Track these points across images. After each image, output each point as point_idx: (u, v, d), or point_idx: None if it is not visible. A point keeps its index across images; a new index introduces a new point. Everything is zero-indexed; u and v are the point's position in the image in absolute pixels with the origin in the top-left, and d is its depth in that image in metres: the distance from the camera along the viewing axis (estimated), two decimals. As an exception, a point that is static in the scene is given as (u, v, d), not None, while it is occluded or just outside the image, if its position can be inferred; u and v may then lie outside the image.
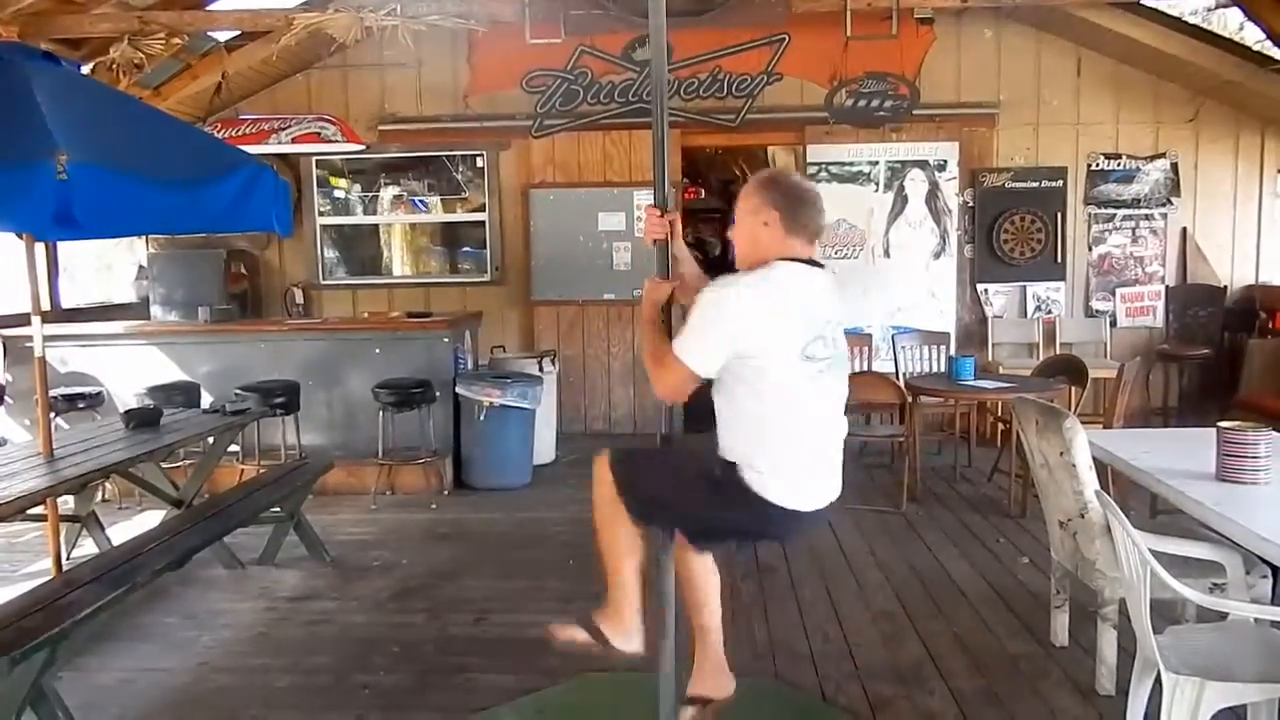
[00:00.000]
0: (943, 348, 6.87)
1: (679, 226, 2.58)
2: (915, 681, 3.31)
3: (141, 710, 3.23)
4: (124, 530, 4.96)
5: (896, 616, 3.91)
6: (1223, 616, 2.88)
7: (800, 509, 2.37)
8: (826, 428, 2.42)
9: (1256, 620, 2.73)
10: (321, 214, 8.06)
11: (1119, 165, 7.54)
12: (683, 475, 2.49)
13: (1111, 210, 7.58)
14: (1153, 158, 7.51)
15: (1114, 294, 7.60)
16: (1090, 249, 7.61)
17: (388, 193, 8.31)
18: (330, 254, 8.21)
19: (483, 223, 7.96)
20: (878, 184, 7.54)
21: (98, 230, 3.86)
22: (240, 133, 6.94)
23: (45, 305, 4.01)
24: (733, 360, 2.27)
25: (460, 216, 8.23)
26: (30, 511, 3.99)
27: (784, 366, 2.27)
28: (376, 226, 8.51)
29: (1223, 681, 2.41)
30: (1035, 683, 3.28)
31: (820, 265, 2.42)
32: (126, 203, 3.33)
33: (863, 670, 3.41)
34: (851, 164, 7.54)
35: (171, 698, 3.33)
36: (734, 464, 2.35)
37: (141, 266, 7.88)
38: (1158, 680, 2.56)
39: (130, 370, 6.16)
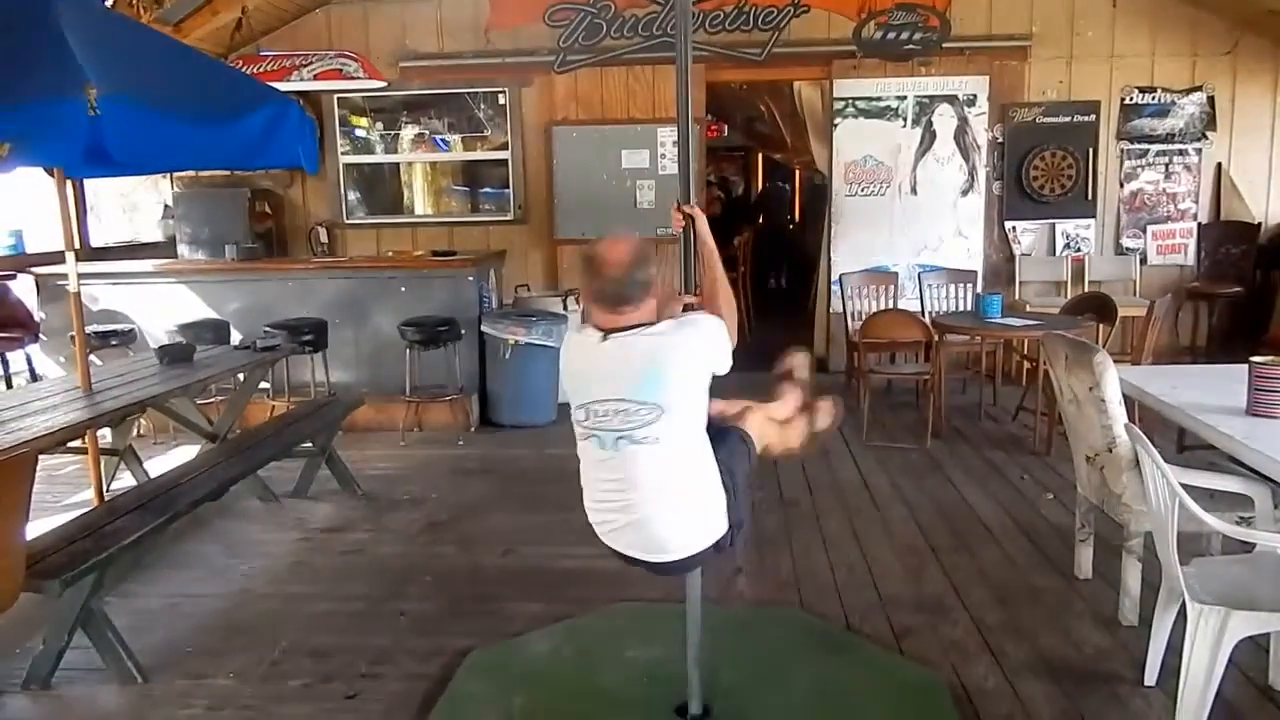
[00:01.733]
0: (969, 286, 6.81)
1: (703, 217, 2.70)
2: (939, 612, 3.36)
3: (186, 631, 3.35)
4: (160, 464, 5.07)
5: (920, 550, 3.95)
6: (1248, 549, 2.90)
7: None
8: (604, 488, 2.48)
9: (1283, 552, 2.75)
10: (343, 153, 8.04)
11: (1153, 99, 7.36)
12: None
13: (1145, 146, 7.43)
14: (1188, 91, 7.33)
15: (1145, 231, 7.48)
16: (1122, 185, 7.47)
17: (409, 131, 8.25)
18: (352, 194, 8.20)
19: (505, 161, 7.91)
20: (905, 119, 7.41)
21: (131, 166, 3.88)
22: (262, 69, 6.88)
23: (76, 243, 4.04)
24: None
25: (482, 155, 8.18)
26: (70, 445, 4.10)
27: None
28: (398, 166, 8.48)
29: (1247, 611, 2.44)
30: (1058, 614, 3.33)
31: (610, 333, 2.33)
32: (158, 138, 3.34)
33: (886, 601, 3.47)
34: (879, 99, 7.40)
35: (214, 621, 3.44)
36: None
37: (167, 205, 7.92)
38: (1181, 611, 2.60)
39: (160, 308, 6.23)
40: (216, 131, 3.58)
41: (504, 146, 7.89)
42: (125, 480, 4.80)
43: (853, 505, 4.50)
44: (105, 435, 4.80)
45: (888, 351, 6.18)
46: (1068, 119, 7.37)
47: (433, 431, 6.10)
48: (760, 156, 13.89)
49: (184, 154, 3.68)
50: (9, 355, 6.22)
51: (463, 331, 6.05)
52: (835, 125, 7.44)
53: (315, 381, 6.12)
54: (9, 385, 6.10)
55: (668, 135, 7.44)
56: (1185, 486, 2.51)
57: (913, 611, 3.36)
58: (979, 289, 6.84)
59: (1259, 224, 7.32)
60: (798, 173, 12.79)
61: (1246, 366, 3.06)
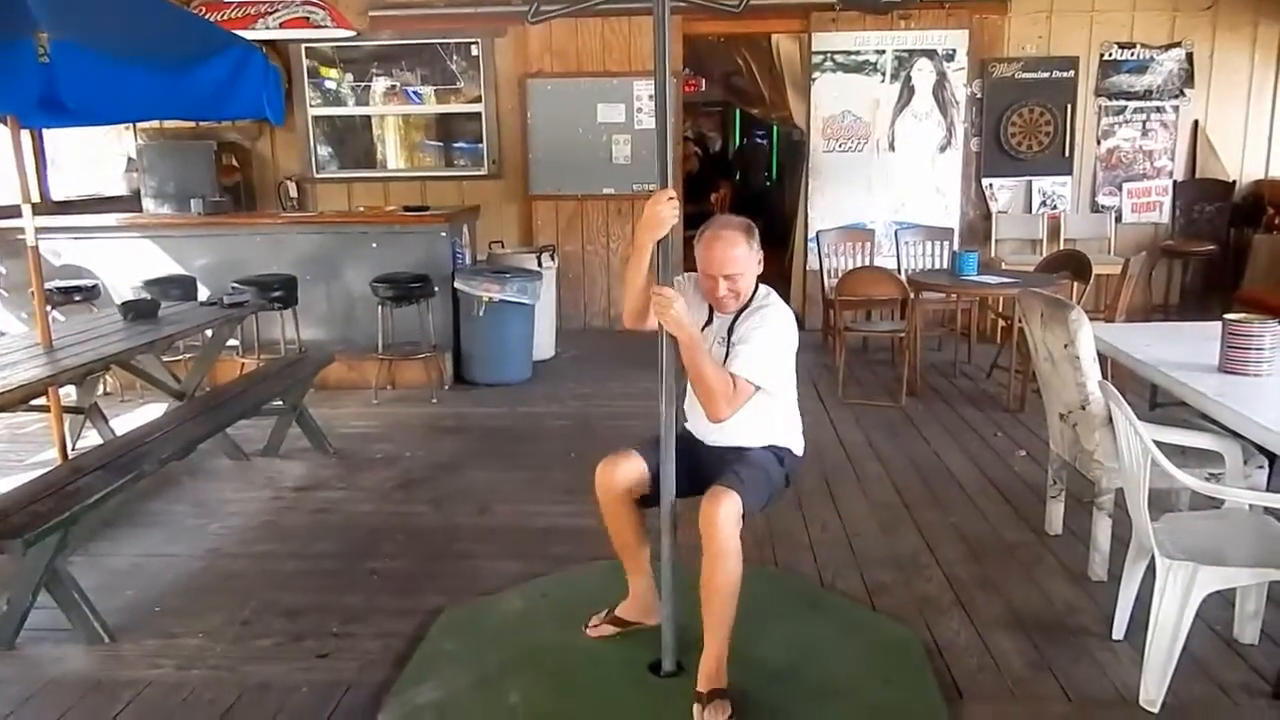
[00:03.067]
0: (946, 243, 6.80)
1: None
2: (912, 568, 3.38)
3: (155, 592, 3.30)
4: (127, 422, 4.99)
5: (894, 507, 3.97)
6: (1217, 505, 2.93)
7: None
8: None
9: (1251, 507, 2.78)
10: (312, 105, 7.85)
11: (1132, 55, 7.33)
12: (771, 477, 2.65)
13: (1122, 102, 7.41)
14: (1167, 47, 7.29)
15: (1121, 189, 7.49)
16: (1099, 143, 7.46)
17: (380, 84, 8.06)
18: (323, 147, 8.03)
19: (478, 114, 7.76)
20: (884, 74, 7.33)
21: (86, 116, 3.75)
22: (225, 16, 6.69)
23: (35, 196, 3.92)
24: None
25: (455, 108, 8.01)
26: (33, 403, 4.01)
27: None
28: (369, 119, 8.29)
29: (1215, 566, 2.46)
30: (1029, 569, 3.35)
31: None
32: (115, 86, 3.24)
33: (860, 558, 3.48)
34: (858, 53, 7.31)
35: (183, 581, 3.40)
36: (787, 447, 2.73)
37: (131, 158, 7.73)
38: (1150, 566, 2.62)
39: (125, 263, 6.10)
40: (176, 80, 3.47)
41: (477, 99, 7.74)
42: (91, 439, 4.72)
43: (828, 463, 4.51)
44: (70, 393, 4.71)
45: (864, 309, 6.19)
46: (1046, 75, 7.32)
47: (406, 389, 6.04)
48: (738, 112, 13.74)
49: (143, 103, 3.56)
50: (-31, 311, 6.07)
51: (436, 288, 5.97)
52: (813, 80, 7.35)
53: (285, 339, 6.04)
54: (-30, 342, 5.96)
55: (644, 89, 7.32)
56: (1157, 443, 2.52)
57: (886, 568, 3.38)
58: (955, 246, 6.83)
59: (1234, 182, 7.35)
60: (776, 128, 12.68)
61: (1220, 324, 3.06)
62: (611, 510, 2.74)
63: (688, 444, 2.73)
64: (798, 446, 2.77)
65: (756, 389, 2.51)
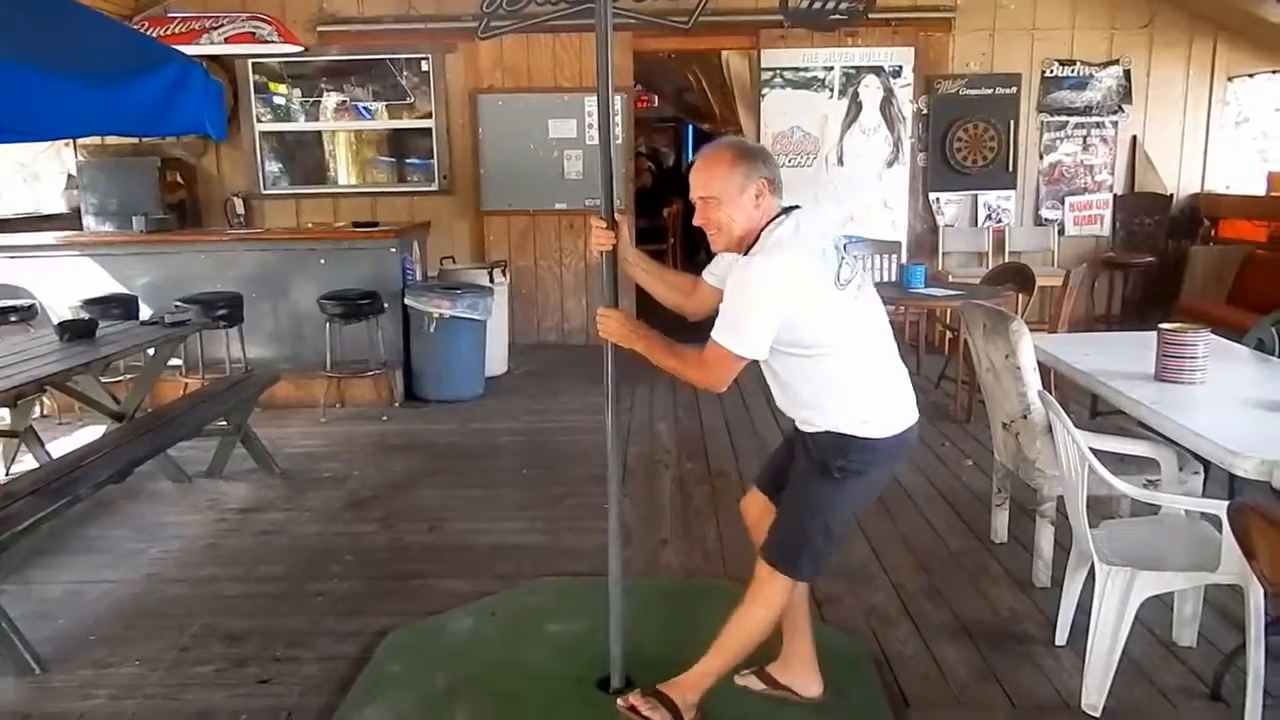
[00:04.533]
0: (894, 257, 6.88)
1: (625, 231, 2.46)
2: (862, 579, 3.40)
3: (90, 619, 3.20)
4: (64, 445, 4.84)
5: (844, 518, 3.99)
6: (1155, 511, 2.99)
7: (909, 424, 2.32)
8: (888, 339, 2.34)
9: (1187, 513, 2.83)
10: (260, 120, 7.75)
11: (1073, 72, 7.51)
12: (832, 500, 2.32)
13: (1064, 118, 7.58)
14: (1106, 64, 7.49)
15: (1063, 202, 7.65)
16: (1041, 157, 7.62)
17: (330, 99, 7.99)
18: (271, 163, 7.92)
19: (429, 130, 7.71)
20: (832, 90, 7.43)
21: (17, 132, 3.65)
22: (169, 31, 6.59)
23: (-34, 213, 3.83)
24: (796, 333, 2.16)
25: (406, 123, 7.96)
26: (-36, 426, 3.89)
27: (833, 309, 2.18)
28: (319, 134, 8.21)
29: (1152, 571, 2.51)
30: (975, 577, 3.39)
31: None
32: (46, 101, 3.15)
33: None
34: (806, 69, 7.41)
35: (121, 607, 3.30)
36: (847, 434, 2.23)
37: (71, 175, 7.55)
38: (1091, 572, 2.66)
39: (63, 282, 5.93)
40: (112, 95, 3.39)
41: (428, 115, 7.70)
42: (27, 463, 4.58)
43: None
44: (4, 416, 4.58)
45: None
46: (990, 91, 7.47)
47: (355, 408, 5.96)
48: (691, 127, 13.83)
49: (77, 119, 3.47)
50: (-101, 333, 5.87)
51: (385, 305, 5.90)
52: (763, 95, 7.43)
53: (231, 358, 5.92)
54: (-101, 365, 5.77)
55: (596, 104, 7.31)
56: (1096, 451, 2.57)
57: (836, 579, 3.39)
58: (903, 259, 6.92)
59: (1171, 195, 7.55)
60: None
61: (1155, 334, 3.13)
62: None
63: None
64: (865, 427, 2.23)
65: (739, 357, 2.15)
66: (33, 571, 3.52)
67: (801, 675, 2.62)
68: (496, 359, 6.59)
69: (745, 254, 2.22)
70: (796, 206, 2.26)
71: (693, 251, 11.14)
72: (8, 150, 7.38)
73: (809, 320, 2.15)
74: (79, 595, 3.39)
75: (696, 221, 2.27)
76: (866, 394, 2.27)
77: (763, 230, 2.21)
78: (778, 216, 2.22)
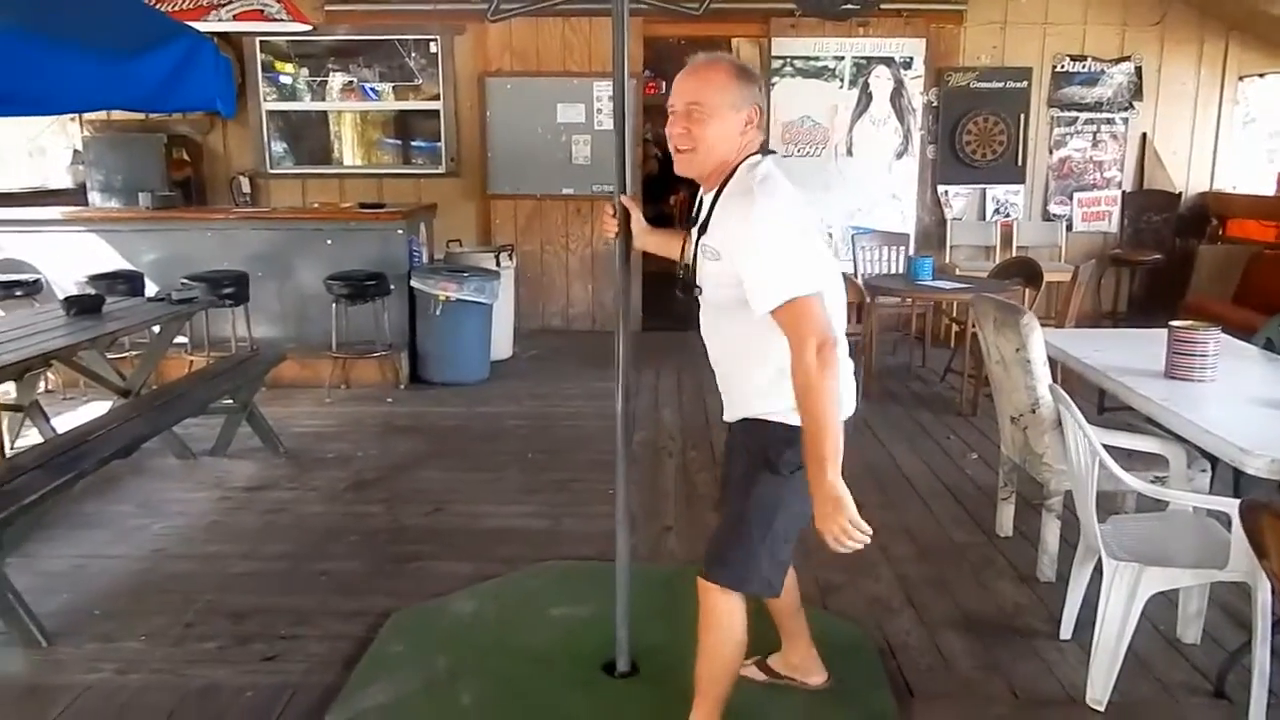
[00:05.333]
0: (902, 249, 6.86)
1: (637, 214, 2.38)
2: (864, 570, 3.39)
3: (94, 593, 3.21)
4: (69, 420, 4.85)
5: (848, 508, 3.99)
6: (1162, 508, 2.98)
7: (850, 414, 2.07)
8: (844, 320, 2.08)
9: (1195, 509, 2.83)
10: (267, 100, 7.72)
11: (1084, 67, 7.47)
12: (780, 498, 2.05)
13: (1074, 113, 7.55)
14: (1118, 61, 7.45)
15: (1071, 198, 7.63)
16: (1051, 152, 7.60)
17: (337, 79, 7.96)
18: (277, 143, 7.89)
19: (436, 112, 7.68)
20: (843, 80, 7.40)
21: (24, 105, 3.62)
22: (178, 7, 6.54)
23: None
24: None
25: (413, 105, 7.93)
26: (-31, 399, 3.89)
27: (823, 268, 1.93)
28: (325, 115, 8.17)
29: (1159, 567, 2.51)
30: (979, 570, 3.39)
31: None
32: (55, 74, 3.14)
33: (812, 557, 3.47)
34: (817, 59, 7.37)
35: (125, 582, 3.31)
36: (786, 424, 1.98)
37: (77, 151, 7.53)
38: (1097, 567, 2.67)
39: (70, 258, 5.93)
40: (121, 69, 3.38)
41: (436, 97, 7.66)
42: (32, 437, 4.58)
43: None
44: (9, 390, 4.57)
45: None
46: (1000, 85, 7.44)
47: (361, 389, 5.95)
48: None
49: (85, 93, 3.45)
50: (-96, 305, 5.87)
51: (392, 286, 5.90)
52: (773, 84, 7.39)
53: (237, 336, 5.92)
54: (-96, 337, 5.76)
55: (604, 89, 7.31)
56: (1105, 446, 2.56)
57: (838, 568, 3.38)
58: (911, 252, 6.91)
59: (1180, 193, 7.53)
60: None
61: (1166, 331, 3.13)
62: None
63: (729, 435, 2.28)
64: (791, 413, 1.96)
65: (814, 296, 1.83)
66: (37, 546, 3.52)
67: (804, 663, 2.58)
68: (501, 343, 6.58)
69: (717, 191, 1.98)
70: (772, 151, 2.05)
71: (698, 240, 11.13)
72: (14, 124, 7.35)
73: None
74: (84, 570, 3.40)
75: (671, 134, 1.97)
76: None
77: (739, 165, 1.97)
78: (754, 154, 2.00)
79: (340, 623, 3.02)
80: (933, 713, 2.53)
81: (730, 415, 2.20)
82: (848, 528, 1.79)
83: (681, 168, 2.02)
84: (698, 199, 2.11)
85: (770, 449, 2.03)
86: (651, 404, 5.59)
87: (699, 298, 2.09)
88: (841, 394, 1.92)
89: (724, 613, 2.09)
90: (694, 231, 2.07)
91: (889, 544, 3.61)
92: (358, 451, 4.77)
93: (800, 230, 1.90)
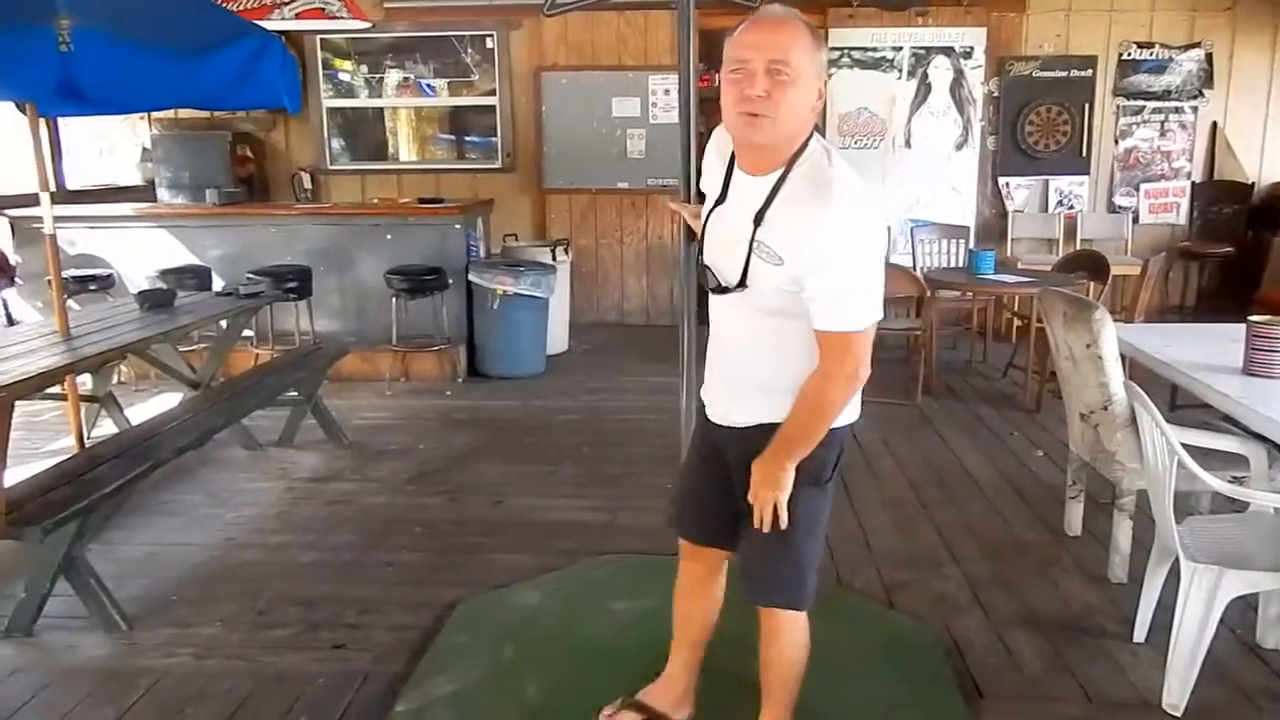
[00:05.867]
0: (961, 242, 6.76)
1: (691, 217, 2.33)
2: (929, 566, 3.36)
3: (170, 580, 3.30)
4: (141, 411, 4.98)
5: (910, 505, 3.95)
6: (1238, 509, 2.90)
7: None
8: None
9: (1276, 511, 2.75)
10: (326, 97, 7.84)
11: (1151, 55, 7.27)
12: (823, 509, 2.02)
13: (1140, 102, 7.35)
14: (1187, 47, 7.24)
15: (1138, 189, 7.43)
16: (1116, 142, 7.41)
17: (393, 76, 8.05)
18: (336, 139, 8.02)
19: (492, 107, 7.73)
20: (901, 71, 7.29)
21: (106, 104, 3.74)
22: (242, 6, 6.67)
23: (51, 185, 3.92)
24: None
25: (469, 100, 7.99)
26: (49, 391, 4.02)
27: None
28: (382, 111, 8.28)
29: (1240, 570, 2.44)
30: (1047, 569, 3.33)
31: None
32: (134, 74, 3.24)
33: (877, 555, 3.46)
34: (875, 49, 7.27)
35: (198, 570, 3.40)
36: (836, 427, 1.89)
37: (145, 149, 7.72)
38: (1173, 569, 2.60)
39: (140, 253, 6.10)
40: (195, 67, 3.47)
41: (491, 93, 7.72)
42: (106, 428, 4.72)
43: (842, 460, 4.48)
44: (86, 382, 4.71)
45: (878, 307, 6.13)
46: (1064, 74, 7.27)
47: (419, 382, 6.04)
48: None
49: (162, 91, 3.55)
50: (-15, 299, 6.08)
51: (450, 281, 5.96)
52: (830, 76, 7.31)
53: (299, 330, 6.04)
54: (-15, 330, 5.98)
55: (659, 83, 7.29)
56: (1182, 445, 2.50)
57: (903, 566, 3.36)
58: (971, 245, 6.80)
59: (1252, 184, 7.30)
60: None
61: (1244, 326, 3.03)
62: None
63: (709, 441, 2.11)
64: (851, 410, 1.95)
65: (873, 327, 1.76)
66: (115, 533, 3.62)
67: (682, 700, 2.38)
68: (557, 337, 6.62)
69: (781, 175, 1.75)
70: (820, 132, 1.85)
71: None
72: (86, 123, 7.57)
73: None
74: (159, 557, 3.50)
75: (745, 95, 1.67)
76: None
77: (806, 149, 1.75)
78: (814, 136, 1.80)
79: (406, 612, 3.06)
80: (1003, 713, 2.49)
81: (737, 418, 1.98)
82: (776, 510, 1.88)
83: (755, 133, 1.71)
84: (728, 173, 1.86)
85: (812, 459, 1.88)
86: (707, 398, 5.57)
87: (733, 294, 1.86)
88: (853, 402, 1.92)
89: (788, 629, 2.07)
90: (733, 218, 1.82)
91: (954, 542, 3.56)
92: (418, 444, 4.83)
93: (880, 250, 1.80)
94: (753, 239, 1.76)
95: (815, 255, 1.68)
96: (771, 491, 1.87)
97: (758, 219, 1.75)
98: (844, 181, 1.72)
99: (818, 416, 1.81)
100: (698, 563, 2.24)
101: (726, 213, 1.85)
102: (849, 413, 1.93)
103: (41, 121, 3.72)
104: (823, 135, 1.88)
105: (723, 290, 1.87)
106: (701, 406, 2.14)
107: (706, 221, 1.91)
